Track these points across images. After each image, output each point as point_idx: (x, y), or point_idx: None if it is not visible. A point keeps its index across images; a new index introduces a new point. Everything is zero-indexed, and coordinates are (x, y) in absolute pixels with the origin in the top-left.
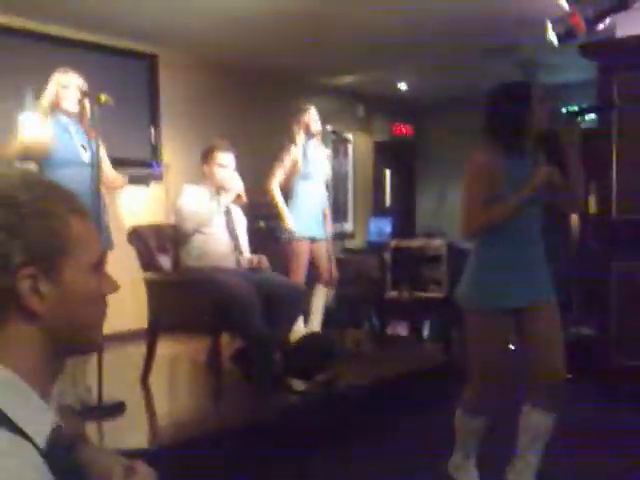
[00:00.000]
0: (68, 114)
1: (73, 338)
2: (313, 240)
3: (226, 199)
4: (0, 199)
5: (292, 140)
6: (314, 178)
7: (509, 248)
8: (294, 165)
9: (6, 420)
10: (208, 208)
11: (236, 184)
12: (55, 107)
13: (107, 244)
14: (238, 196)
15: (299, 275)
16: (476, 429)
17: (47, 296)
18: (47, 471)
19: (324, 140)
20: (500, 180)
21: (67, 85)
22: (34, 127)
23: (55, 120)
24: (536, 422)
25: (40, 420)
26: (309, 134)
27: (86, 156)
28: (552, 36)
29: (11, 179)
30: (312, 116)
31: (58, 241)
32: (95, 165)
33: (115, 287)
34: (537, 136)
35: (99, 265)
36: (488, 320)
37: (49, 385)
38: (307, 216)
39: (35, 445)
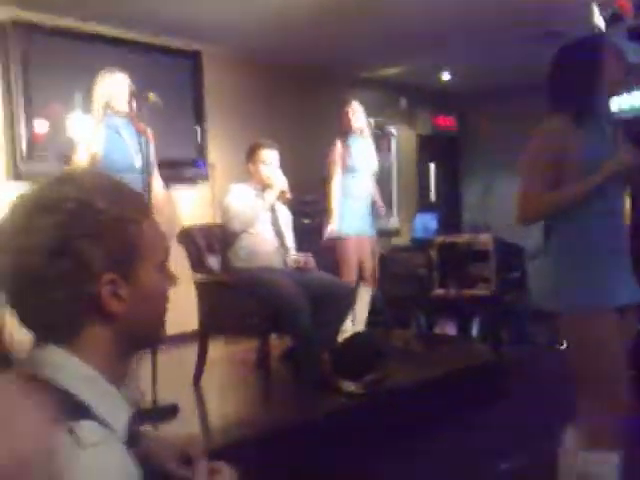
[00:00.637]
0: (120, 114)
1: (144, 334)
2: (359, 237)
3: (271, 196)
4: (79, 206)
5: (338, 135)
6: (359, 172)
7: (605, 230)
8: (340, 159)
9: (92, 413)
10: (254, 206)
11: (280, 181)
12: (107, 108)
13: None
14: (282, 193)
15: (351, 273)
16: (613, 469)
17: (125, 298)
18: (132, 460)
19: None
20: (577, 152)
21: (118, 85)
22: (90, 140)
23: (107, 122)
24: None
25: (120, 413)
26: (351, 128)
27: (138, 161)
28: (599, 20)
29: (85, 184)
30: (354, 110)
31: (135, 245)
32: (146, 171)
33: (176, 280)
34: (613, 93)
35: (166, 262)
36: (605, 322)
37: (121, 382)
38: (353, 213)
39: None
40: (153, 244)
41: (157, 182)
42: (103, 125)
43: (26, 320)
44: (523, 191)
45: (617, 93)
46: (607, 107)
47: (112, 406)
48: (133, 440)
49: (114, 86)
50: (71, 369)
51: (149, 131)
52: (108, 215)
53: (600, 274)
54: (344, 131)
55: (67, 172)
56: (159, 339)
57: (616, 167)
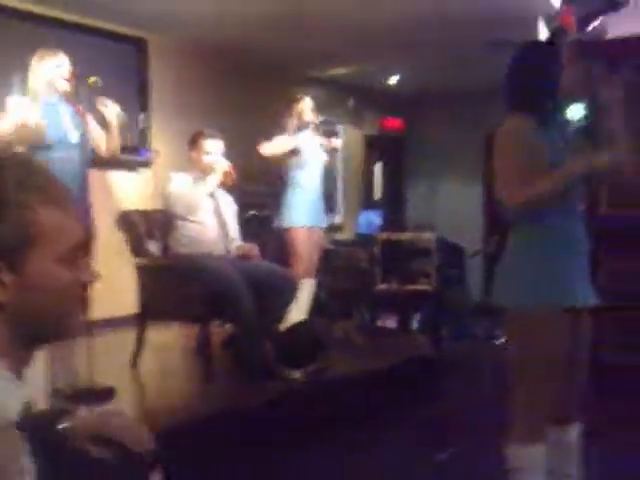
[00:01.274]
0: (60, 94)
1: (41, 326)
2: (312, 228)
3: (213, 180)
4: None
5: (284, 129)
6: (310, 166)
7: (561, 226)
8: (288, 154)
9: None
10: (196, 192)
11: (222, 164)
12: (46, 87)
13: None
14: (226, 174)
15: (301, 264)
16: (541, 459)
17: (9, 286)
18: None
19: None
20: (542, 150)
21: (60, 65)
22: (23, 111)
23: (45, 102)
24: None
25: (11, 396)
26: (303, 123)
27: (75, 136)
28: (544, 33)
29: None
30: (306, 106)
31: (25, 232)
32: (83, 146)
33: (93, 277)
34: (570, 96)
35: (74, 254)
36: (551, 321)
37: (20, 368)
38: (305, 205)
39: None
40: (52, 233)
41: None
42: (40, 101)
43: None
44: (503, 183)
45: (575, 98)
46: (562, 108)
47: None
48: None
49: (54, 66)
50: None
51: (83, 110)
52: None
53: (553, 273)
54: (293, 125)
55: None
56: (64, 332)
57: (601, 164)
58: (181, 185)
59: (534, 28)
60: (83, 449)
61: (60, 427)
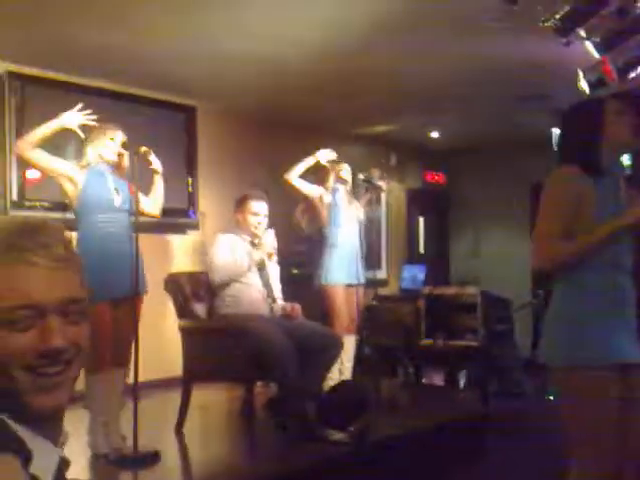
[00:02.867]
0: (108, 163)
1: (7, 401)
2: (349, 286)
3: (258, 254)
4: None
5: (323, 185)
6: (347, 225)
7: (606, 285)
8: (327, 210)
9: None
10: (240, 263)
11: (270, 242)
12: (98, 158)
13: (141, 288)
14: (270, 254)
15: (341, 322)
16: None
17: None
18: None
19: (357, 189)
20: (590, 201)
21: (114, 138)
22: (72, 170)
23: (92, 168)
24: None
25: (45, 457)
26: (340, 181)
27: (119, 200)
28: (584, 84)
29: None
30: (344, 169)
31: None
32: (131, 211)
33: (46, 342)
34: (619, 151)
35: (22, 317)
36: (598, 378)
37: (54, 437)
38: (342, 262)
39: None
40: None
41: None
42: (88, 169)
43: None
44: (538, 235)
45: (624, 151)
46: (613, 164)
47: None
48: None
49: (112, 138)
50: None
51: (134, 188)
52: None
53: (597, 329)
54: (331, 183)
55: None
56: (24, 407)
57: (629, 220)
58: (226, 250)
59: (573, 79)
60: None
61: None
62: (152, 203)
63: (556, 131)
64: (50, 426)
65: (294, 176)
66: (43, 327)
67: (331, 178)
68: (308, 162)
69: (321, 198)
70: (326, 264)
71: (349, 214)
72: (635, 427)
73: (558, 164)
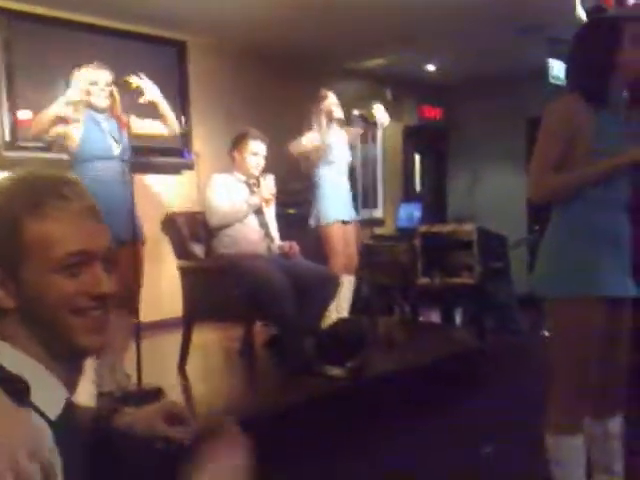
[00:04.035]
0: (98, 109)
1: (56, 341)
2: (345, 223)
3: (255, 201)
4: None
5: (310, 126)
6: (337, 164)
7: (603, 219)
8: (317, 151)
9: (22, 395)
10: (237, 210)
11: (269, 187)
12: (85, 103)
13: (138, 236)
14: (267, 200)
15: (338, 260)
16: (579, 451)
17: (15, 295)
18: (47, 438)
19: (352, 125)
20: (588, 134)
21: (96, 81)
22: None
23: (87, 115)
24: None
25: (52, 395)
26: (330, 120)
27: (117, 149)
28: (581, 12)
29: (3, 179)
30: (332, 102)
31: (15, 245)
32: (126, 158)
33: (97, 287)
34: (629, 78)
35: (70, 264)
36: (585, 309)
37: (70, 377)
38: (336, 200)
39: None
40: (40, 244)
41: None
42: (82, 114)
43: None
44: (533, 169)
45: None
46: (621, 92)
47: (45, 390)
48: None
49: (93, 82)
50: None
51: (127, 118)
52: None
53: (590, 262)
54: (321, 122)
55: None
56: (77, 348)
57: (627, 160)
58: (222, 192)
59: (571, 8)
60: (156, 430)
61: (120, 423)
62: (168, 124)
63: (552, 62)
64: (74, 367)
65: (296, 149)
66: (92, 273)
67: (323, 118)
68: (310, 139)
69: (315, 141)
70: (320, 203)
71: (340, 152)
72: (618, 354)
73: (565, 93)
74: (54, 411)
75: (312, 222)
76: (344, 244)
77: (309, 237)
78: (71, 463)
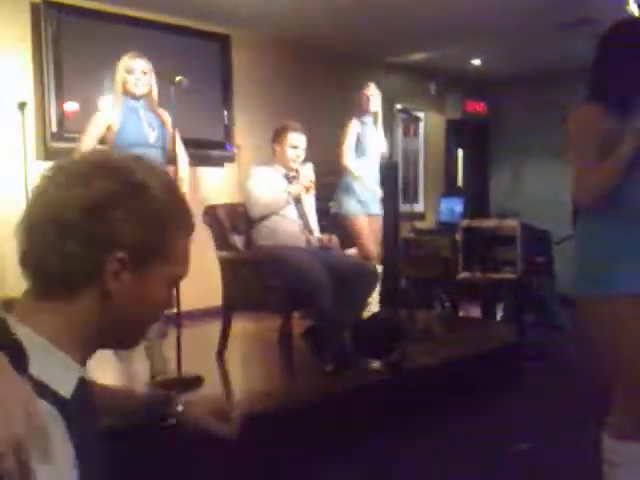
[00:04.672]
0: (135, 97)
1: (123, 330)
2: (370, 216)
3: (296, 188)
4: (140, 186)
5: (350, 117)
6: (368, 156)
7: (629, 234)
8: (351, 141)
9: (30, 379)
10: (278, 198)
11: (307, 175)
12: (123, 91)
13: None
14: (308, 188)
15: (369, 250)
16: (638, 460)
17: (125, 285)
18: (62, 427)
19: (394, 119)
20: (613, 142)
21: (133, 69)
22: (108, 114)
23: (124, 103)
24: None
25: (66, 375)
26: (365, 111)
27: (153, 136)
28: (633, 7)
29: (155, 172)
30: (371, 93)
31: (164, 247)
32: (163, 147)
33: (172, 305)
34: None
35: (176, 283)
36: (619, 308)
37: (84, 361)
38: (364, 193)
39: (60, 398)
40: (177, 258)
41: (181, 159)
42: (120, 104)
43: (32, 266)
44: (578, 171)
45: None
46: None
47: (58, 369)
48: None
49: (129, 70)
50: (25, 334)
51: (164, 113)
52: (160, 209)
53: (624, 262)
54: (360, 113)
55: (140, 155)
56: (131, 343)
57: (630, 145)
58: (262, 183)
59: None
60: (202, 424)
61: (178, 411)
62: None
63: None
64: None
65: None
66: (172, 291)
67: (358, 109)
68: (350, 141)
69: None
70: (343, 194)
71: (371, 145)
72: None
73: (587, 99)
74: (67, 389)
75: (337, 211)
76: (369, 233)
77: (346, 229)
78: (85, 443)
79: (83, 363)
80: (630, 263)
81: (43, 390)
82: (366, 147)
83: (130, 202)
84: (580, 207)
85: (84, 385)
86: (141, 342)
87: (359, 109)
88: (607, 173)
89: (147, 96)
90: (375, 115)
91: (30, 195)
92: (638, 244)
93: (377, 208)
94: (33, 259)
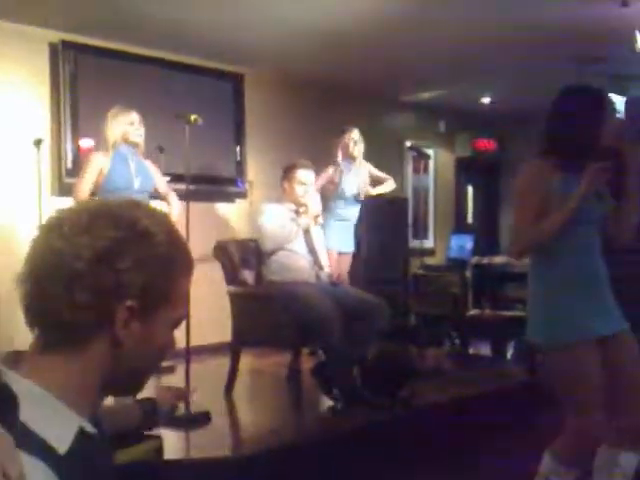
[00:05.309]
0: (134, 145)
1: (131, 376)
2: (340, 254)
3: (305, 221)
4: (145, 232)
5: (333, 161)
6: (346, 199)
7: (573, 267)
8: (332, 184)
9: (26, 431)
10: (288, 230)
11: (314, 207)
12: (124, 140)
13: None
14: (316, 217)
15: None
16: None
17: (134, 332)
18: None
19: (404, 156)
20: (554, 199)
21: (133, 122)
22: (101, 162)
23: (117, 152)
24: (628, 463)
25: (63, 427)
26: (347, 156)
27: (137, 183)
28: None
29: (159, 218)
30: (354, 138)
31: (169, 292)
32: (147, 191)
33: (175, 346)
34: (601, 153)
35: (179, 324)
36: (578, 355)
37: (92, 413)
38: (341, 232)
39: (54, 454)
40: (179, 300)
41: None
42: (115, 152)
43: (39, 317)
44: (514, 226)
45: (605, 147)
46: (592, 160)
47: (55, 421)
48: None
49: (131, 122)
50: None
51: (149, 164)
52: (165, 255)
53: (570, 309)
54: (343, 157)
55: (141, 201)
56: (136, 388)
57: (584, 187)
58: (273, 219)
59: (631, 41)
60: None
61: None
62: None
63: (612, 97)
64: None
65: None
66: (174, 339)
67: (340, 153)
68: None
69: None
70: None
71: (350, 188)
72: (625, 384)
73: (538, 155)
74: (63, 443)
75: None
76: (335, 270)
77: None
78: None
79: (89, 413)
80: (588, 307)
81: (30, 440)
82: (344, 190)
83: (136, 249)
84: (518, 254)
85: (87, 437)
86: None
87: (343, 153)
88: (544, 232)
89: (138, 145)
90: (357, 159)
91: (31, 246)
92: (586, 289)
93: (348, 247)
94: (40, 311)
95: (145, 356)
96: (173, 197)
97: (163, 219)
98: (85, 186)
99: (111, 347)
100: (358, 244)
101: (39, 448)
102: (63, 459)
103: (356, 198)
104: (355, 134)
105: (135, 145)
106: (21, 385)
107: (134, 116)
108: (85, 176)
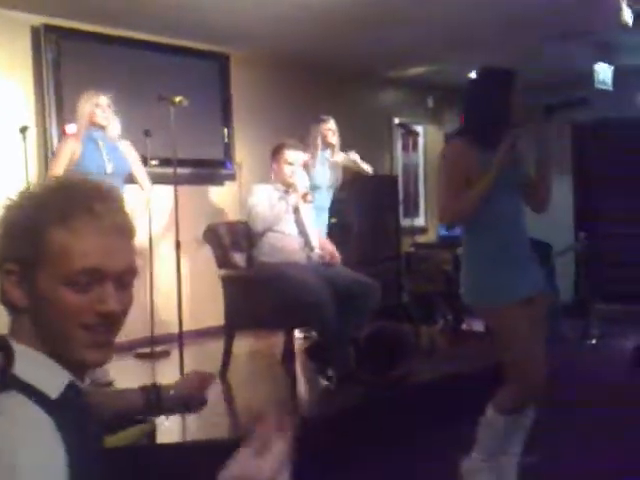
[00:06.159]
0: (102, 127)
1: (60, 348)
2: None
3: (293, 199)
4: (18, 200)
5: (310, 148)
6: (320, 188)
7: (498, 234)
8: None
9: (15, 380)
10: (277, 210)
11: (302, 183)
12: (90, 123)
13: None
14: (304, 195)
15: None
16: (505, 430)
17: (27, 295)
18: (50, 425)
19: (392, 133)
20: (475, 175)
21: (100, 104)
22: (72, 145)
23: (88, 134)
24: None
25: (53, 377)
26: (325, 144)
27: (110, 167)
28: (627, 16)
29: (39, 185)
30: (332, 128)
31: (37, 250)
32: (121, 174)
33: (104, 305)
34: (514, 129)
35: (84, 279)
36: (506, 315)
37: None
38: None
39: (46, 398)
40: (60, 255)
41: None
42: (85, 135)
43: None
44: (440, 197)
45: (520, 125)
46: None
47: (43, 372)
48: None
49: (97, 104)
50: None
51: (124, 142)
52: (25, 214)
53: (495, 275)
54: (323, 146)
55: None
56: (77, 361)
57: (502, 155)
58: (262, 199)
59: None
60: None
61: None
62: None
63: (598, 67)
64: (78, 375)
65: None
66: (101, 291)
67: (318, 142)
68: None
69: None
70: None
71: (323, 178)
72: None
73: (460, 132)
74: (54, 391)
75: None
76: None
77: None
78: (82, 445)
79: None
80: (509, 274)
81: (28, 390)
82: (317, 179)
83: (7, 217)
84: (446, 223)
85: (75, 389)
86: (89, 357)
87: (323, 142)
88: (472, 199)
89: (107, 128)
90: (333, 148)
91: None
92: (510, 255)
93: (324, 235)
94: None
95: (54, 321)
96: (145, 180)
97: (41, 186)
98: (57, 170)
99: (23, 314)
100: (330, 228)
101: (31, 393)
102: (55, 403)
103: (329, 188)
104: (332, 124)
105: (102, 128)
106: (17, 347)
107: (102, 99)
108: (57, 161)
